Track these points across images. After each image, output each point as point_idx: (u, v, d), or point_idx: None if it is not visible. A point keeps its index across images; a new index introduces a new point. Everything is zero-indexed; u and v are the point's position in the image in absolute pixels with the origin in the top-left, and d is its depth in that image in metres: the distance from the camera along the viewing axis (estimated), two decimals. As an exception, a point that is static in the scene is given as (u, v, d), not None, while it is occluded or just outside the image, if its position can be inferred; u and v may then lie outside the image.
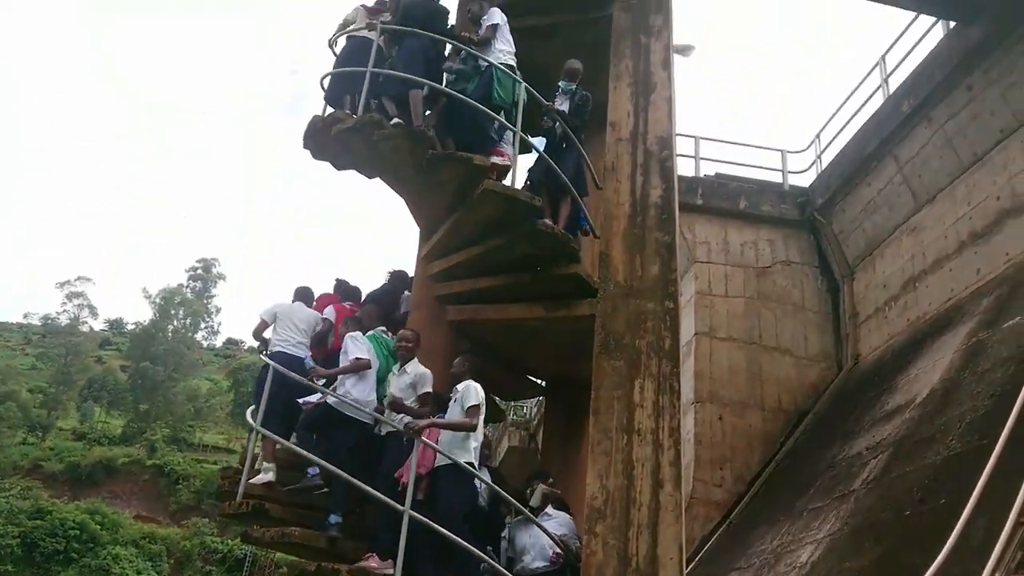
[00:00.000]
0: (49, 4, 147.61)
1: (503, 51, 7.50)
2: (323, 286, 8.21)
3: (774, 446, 13.04)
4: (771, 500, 11.86)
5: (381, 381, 6.76)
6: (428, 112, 7.40)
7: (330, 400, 6.37)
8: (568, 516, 6.41)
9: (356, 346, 6.58)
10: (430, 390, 6.39)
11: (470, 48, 7.45)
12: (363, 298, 8.13)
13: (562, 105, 7.48)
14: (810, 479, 11.05)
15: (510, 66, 7.41)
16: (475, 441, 6.07)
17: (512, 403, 16.65)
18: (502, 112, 7.28)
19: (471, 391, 6.08)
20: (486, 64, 7.32)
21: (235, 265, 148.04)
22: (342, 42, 7.99)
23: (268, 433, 6.29)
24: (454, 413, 6.12)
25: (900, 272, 12.69)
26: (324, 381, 6.54)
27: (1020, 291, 9.62)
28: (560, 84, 7.65)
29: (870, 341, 13.29)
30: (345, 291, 8.17)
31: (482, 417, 6.18)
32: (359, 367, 6.46)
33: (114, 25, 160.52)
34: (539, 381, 8.77)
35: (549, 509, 6.39)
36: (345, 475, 5.74)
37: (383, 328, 7.24)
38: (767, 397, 13.41)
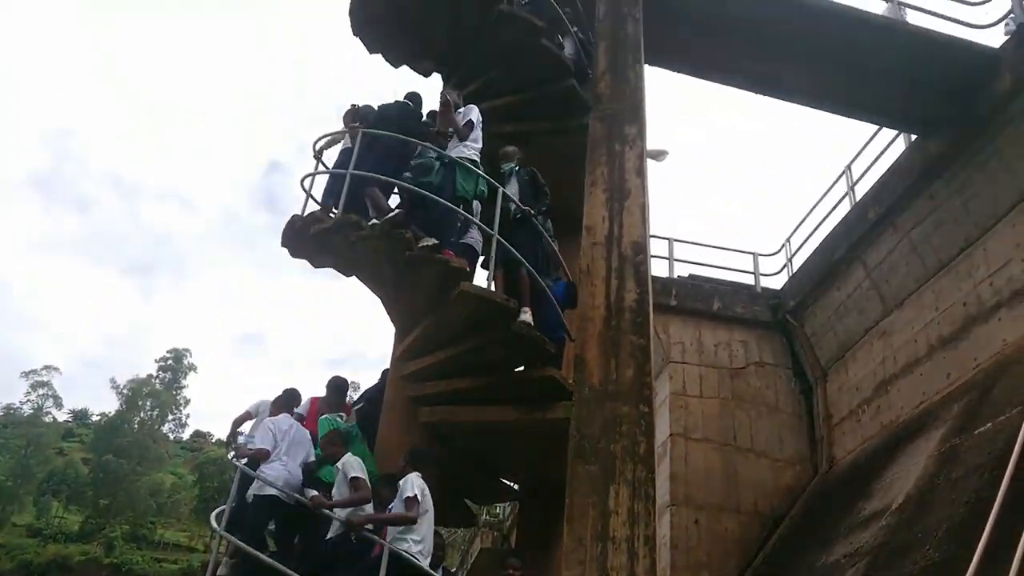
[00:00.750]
0: (49, 4, 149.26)
1: (469, 146, 7.69)
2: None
3: (751, 551, 12.81)
4: (749, 609, 11.58)
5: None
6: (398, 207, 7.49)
7: (250, 493, 6.38)
8: None
9: (259, 436, 6.72)
10: (355, 474, 6.23)
11: (428, 144, 7.65)
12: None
13: (510, 187, 7.69)
14: (788, 587, 10.84)
15: (473, 160, 7.57)
16: (416, 535, 5.92)
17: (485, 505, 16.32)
18: (473, 205, 7.47)
19: (407, 483, 6.02)
20: (448, 158, 7.50)
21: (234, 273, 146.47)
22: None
23: (231, 538, 6.15)
24: (399, 509, 6.03)
25: (872, 375, 12.79)
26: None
27: (989, 397, 9.71)
28: (502, 169, 7.88)
29: (844, 444, 13.27)
30: (336, 386, 8.15)
31: (424, 511, 6.03)
32: (258, 455, 6.54)
33: (114, 25, 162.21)
34: (513, 485, 8.64)
35: None
36: None
37: (340, 414, 7.32)
38: (743, 500, 13.25)
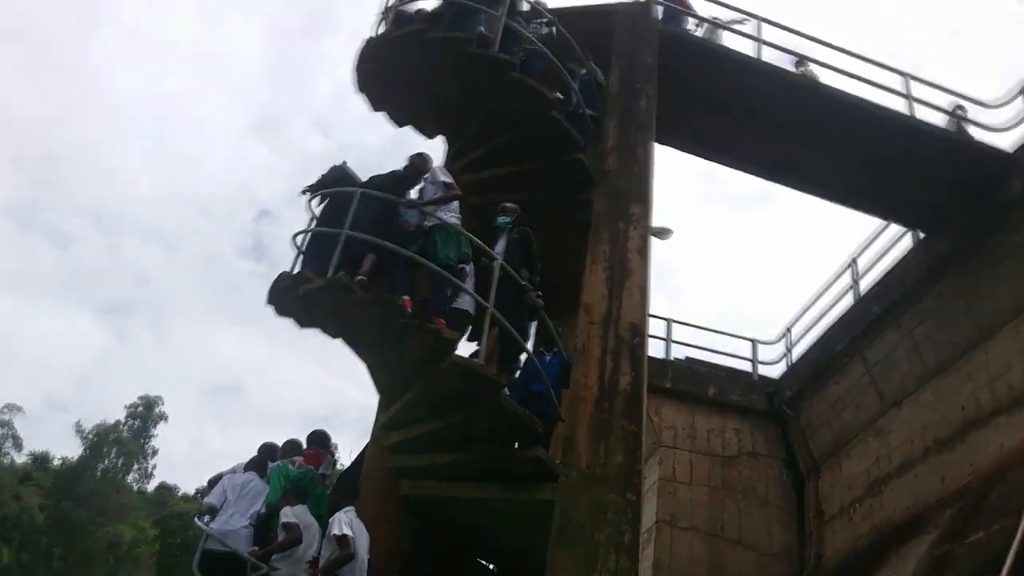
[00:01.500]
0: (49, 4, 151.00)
1: (448, 211, 7.50)
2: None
3: (734, 651, 12.32)
4: None
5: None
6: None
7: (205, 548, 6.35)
8: None
9: (212, 493, 6.79)
10: (285, 520, 6.16)
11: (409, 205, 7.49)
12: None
13: (499, 245, 7.45)
14: None
15: (454, 224, 7.38)
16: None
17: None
18: (463, 269, 7.29)
19: (334, 523, 5.90)
20: (431, 223, 7.30)
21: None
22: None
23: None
24: (327, 552, 5.88)
25: (866, 473, 12.51)
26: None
27: (984, 504, 9.47)
28: (497, 222, 7.69)
29: (835, 542, 12.89)
30: (313, 437, 7.89)
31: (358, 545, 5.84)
32: (205, 512, 6.64)
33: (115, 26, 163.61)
34: (490, 565, 8.27)
35: None
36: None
37: (292, 459, 7.20)
38: (728, 595, 12.79)
